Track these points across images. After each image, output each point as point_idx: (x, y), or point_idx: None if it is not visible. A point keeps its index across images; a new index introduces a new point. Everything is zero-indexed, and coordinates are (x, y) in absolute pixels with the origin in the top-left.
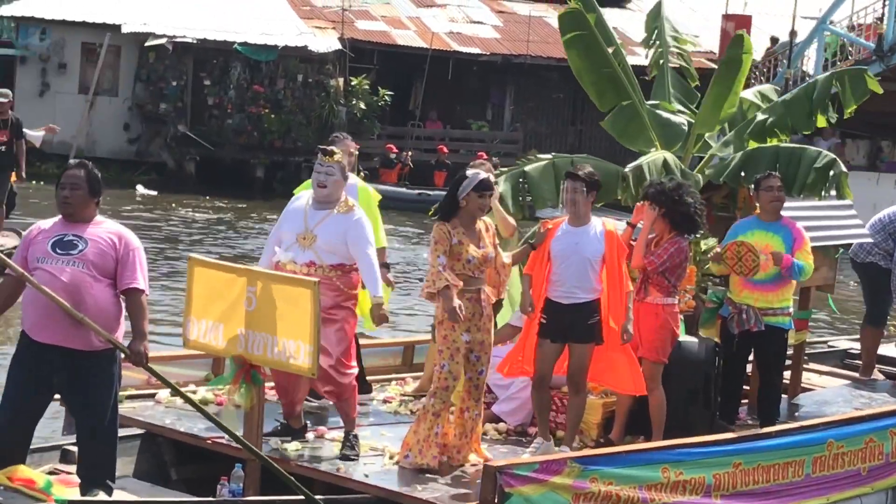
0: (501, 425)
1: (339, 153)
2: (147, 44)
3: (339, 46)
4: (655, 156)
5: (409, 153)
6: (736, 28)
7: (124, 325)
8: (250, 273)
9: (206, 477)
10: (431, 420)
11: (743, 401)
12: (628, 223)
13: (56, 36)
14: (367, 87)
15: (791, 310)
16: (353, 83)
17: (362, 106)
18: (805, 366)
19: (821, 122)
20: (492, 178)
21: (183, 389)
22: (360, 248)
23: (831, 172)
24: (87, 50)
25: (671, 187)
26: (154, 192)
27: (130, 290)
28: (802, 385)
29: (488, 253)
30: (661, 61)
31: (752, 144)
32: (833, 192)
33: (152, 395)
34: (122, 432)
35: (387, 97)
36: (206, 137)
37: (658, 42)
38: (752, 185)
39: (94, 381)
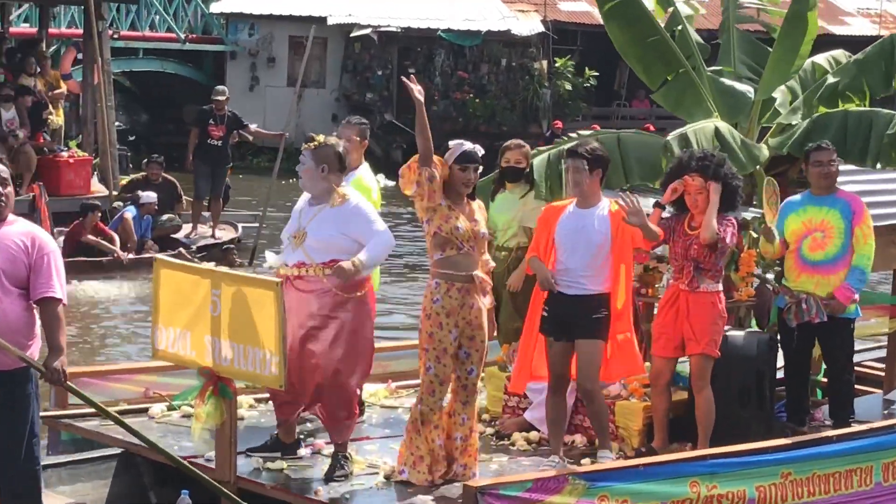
0: (533, 434)
1: (317, 140)
2: (352, 35)
3: (541, 29)
4: (704, 123)
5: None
6: None
7: (40, 339)
8: (213, 274)
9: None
10: (422, 430)
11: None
12: (657, 203)
13: (264, 31)
14: (571, 68)
15: (857, 295)
16: (556, 65)
17: (567, 87)
18: None
19: None
20: (478, 151)
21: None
22: (367, 236)
23: None
24: (295, 43)
25: (721, 159)
26: None
27: (45, 300)
28: None
29: (479, 229)
30: (729, 22)
31: (823, 111)
32: None
33: (146, 410)
34: (97, 452)
35: (592, 78)
36: (412, 125)
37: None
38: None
39: (7, 403)
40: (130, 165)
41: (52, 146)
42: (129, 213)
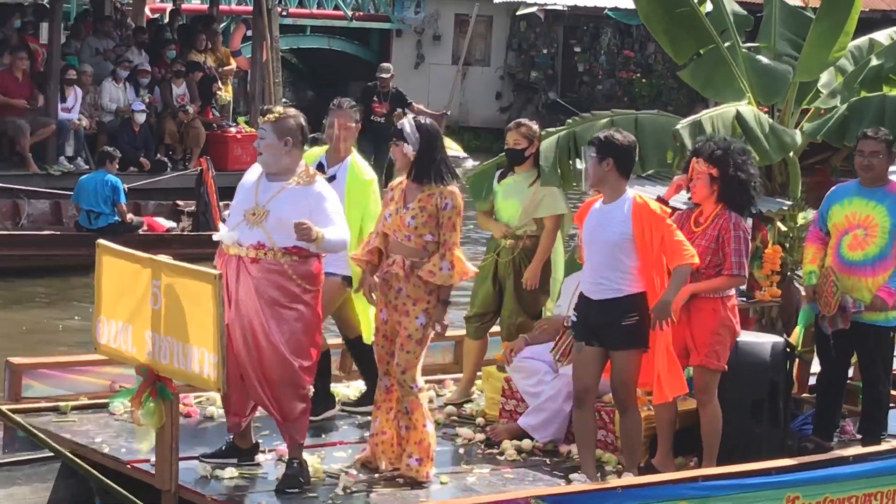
0: (526, 442)
1: (276, 111)
2: (518, 13)
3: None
4: (724, 108)
5: None
6: None
7: None
8: (154, 263)
9: None
10: None
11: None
12: (659, 198)
13: (431, 8)
14: None
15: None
16: None
17: None
18: None
19: None
20: (405, 125)
21: None
22: (323, 226)
23: None
24: (461, 21)
25: (738, 148)
26: None
27: None
28: None
29: (405, 217)
30: None
31: (864, 95)
32: None
33: (106, 405)
34: (38, 453)
35: None
36: (577, 104)
37: None
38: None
39: None
40: None
41: (221, 122)
42: None
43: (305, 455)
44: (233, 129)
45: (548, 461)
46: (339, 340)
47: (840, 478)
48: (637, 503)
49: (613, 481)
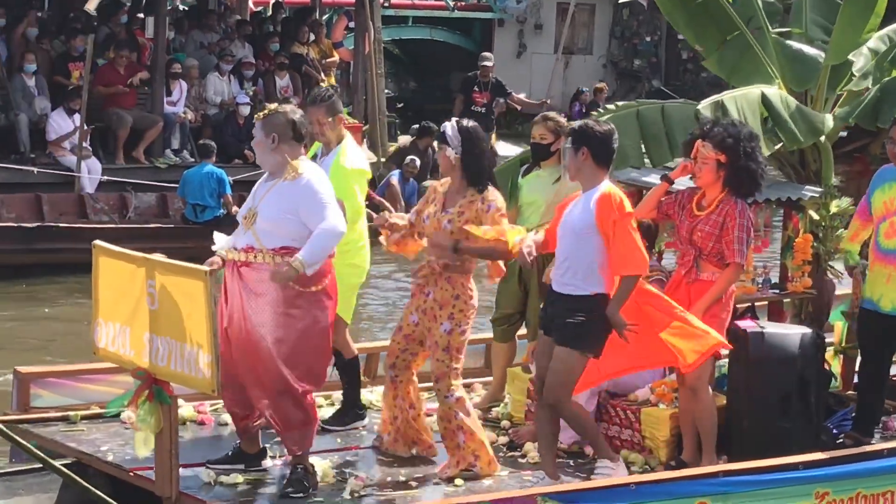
0: None
1: (268, 108)
2: (620, 0)
3: None
4: (748, 90)
5: None
6: None
7: None
8: (148, 263)
9: None
10: None
11: None
12: (664, 177)
13: None
14: None
15: None
16: None
17: None
18: None
19: None
20: (447, 128)
21: None
22: (314, 222)
23: None
24: (562, 10)
25: (747, 135)
26: None
27: None
28: None
29: (443, 220)
30: None
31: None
32: None
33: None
34: None
35: None
36: (681, 92)
37: None
38: None
39: None
40: (398, 133)
41: None
42: (395, 177)
43: (315, 459)
44: None
45: (571, 463)
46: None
47: (873, 472)
48: (654, 500)
49: (628, 477)
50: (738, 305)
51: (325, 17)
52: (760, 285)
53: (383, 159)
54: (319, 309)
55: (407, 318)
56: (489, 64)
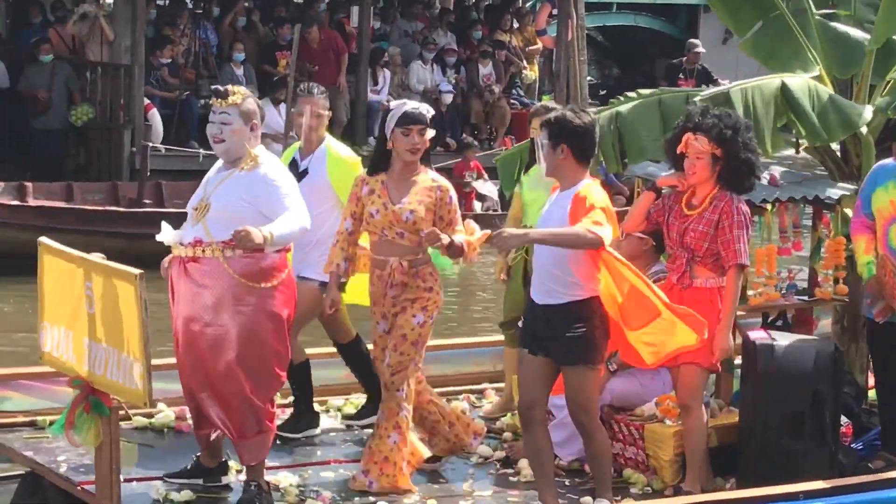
0: None
1: (236, 94)
2: None
3: None
4: (768, 79)
5: None
6: None
7: None
8: (86, 263)
9: None
10: None
11: None
12: (651, 186)
13: None
14: None
15: None
16: None
17: None
18: None
19: None
20: (424, 111)
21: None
22: (278, 209)
23: None
24: None
25: (745, 125)
26: None
27: None
28: None
29: (402, 211)
30: None
31: None
32: None
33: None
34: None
35: None
36: None
37: None
38: None
39: None
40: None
41: (524, 100)
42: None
43: (287, 474)
44: None
45: (567, 482)
46: (326, 350)
47: (885, 503)
48: None
49: None
50: (765, 312)
51: (528, 5)
52: (785, 291)
53: None
54: (271, 307)
55: (376, 330)
56: (700, 50)
